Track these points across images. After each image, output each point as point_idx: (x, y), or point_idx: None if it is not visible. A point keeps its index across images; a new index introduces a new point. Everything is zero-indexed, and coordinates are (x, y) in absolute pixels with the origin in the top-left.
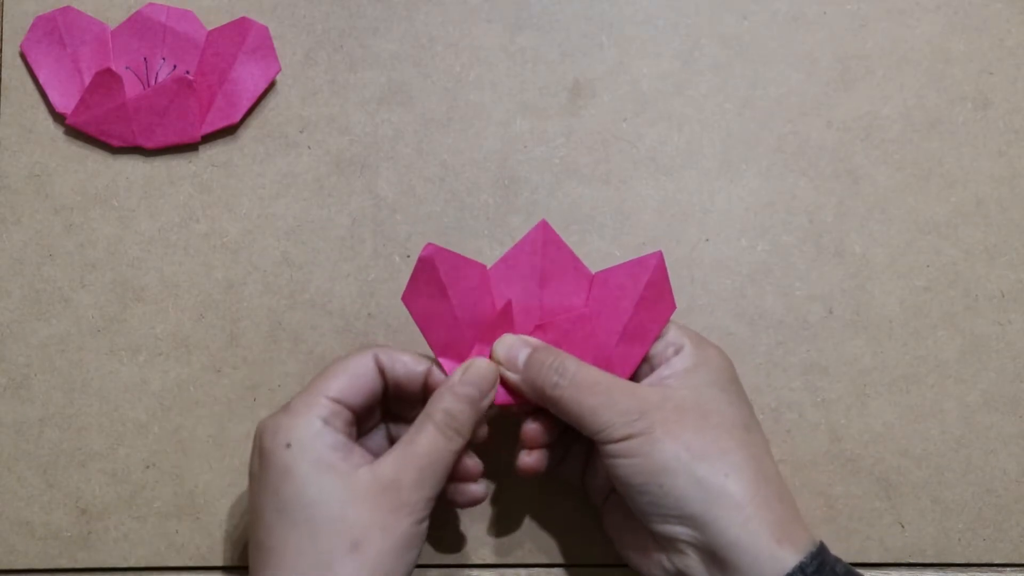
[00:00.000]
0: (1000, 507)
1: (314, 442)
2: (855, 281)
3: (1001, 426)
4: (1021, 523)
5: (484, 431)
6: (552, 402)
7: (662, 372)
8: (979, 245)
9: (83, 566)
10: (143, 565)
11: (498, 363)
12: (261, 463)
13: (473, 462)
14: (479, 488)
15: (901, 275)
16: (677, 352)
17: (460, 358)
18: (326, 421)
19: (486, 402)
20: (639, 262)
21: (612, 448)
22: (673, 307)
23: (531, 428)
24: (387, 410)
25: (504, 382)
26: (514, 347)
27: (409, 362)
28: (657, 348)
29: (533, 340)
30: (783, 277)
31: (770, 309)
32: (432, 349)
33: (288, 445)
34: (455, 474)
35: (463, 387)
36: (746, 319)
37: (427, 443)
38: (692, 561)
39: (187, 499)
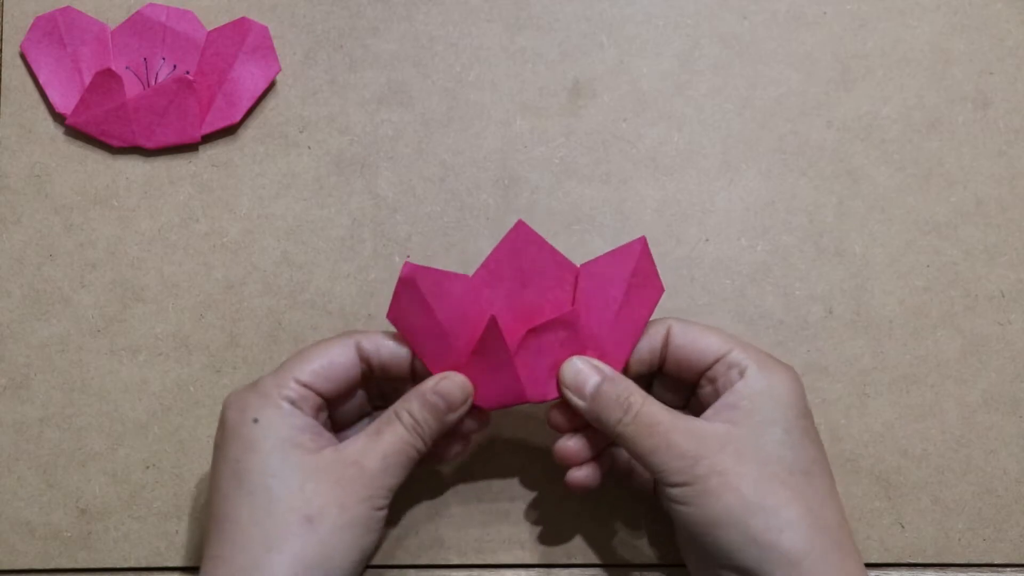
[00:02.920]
0: (1000, 507)
1: (282, 421)
2: (855, 281)
3: (1001, 426)
4: (1021, 523)
5: (458, 450)
6: (614, 436)
7: (727, 399)
8: (979, 245)
9: (83, 566)
10: (143, 565)
11: (564, 387)
12: (224, 436)
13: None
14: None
15: (901, 275)
16: (741, 375)
17: (453, 369)
18: (294, 403)
19: (452, 417)
20: (624, 249)
21: (668, 491)
22: (661, 290)
23: (567, 446)
24: (377, 395)
25: (564, 405)
26: (582, 373)
27: (394, 346)
28: (720, 370)
29: (603, 367)
30: (783, 277)
31: (770, 309)
32: (424, 362)
33: (255, 420)
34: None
35: (432, 396)
36: (746, 319)
37: (393, 438)
38: None
39: (187, 499)
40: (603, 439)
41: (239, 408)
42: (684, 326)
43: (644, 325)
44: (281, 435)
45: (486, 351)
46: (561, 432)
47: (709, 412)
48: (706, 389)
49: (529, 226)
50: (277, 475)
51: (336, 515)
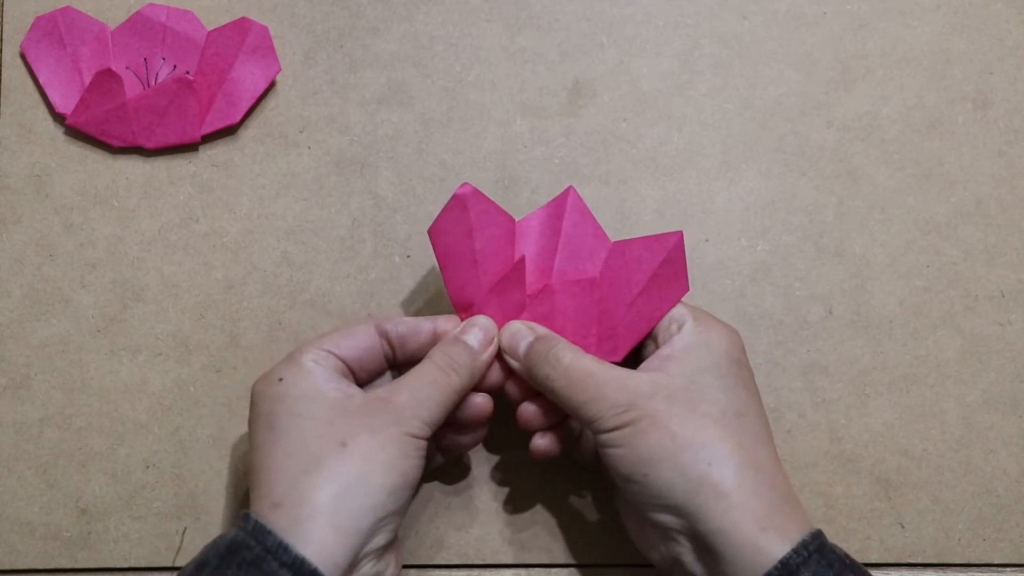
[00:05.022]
0: (1000, 507)
1: (306, 376)
2: (855, 281)
3: (1001, 426)
4: (1021, 523)
5: (499, 376)
6: (547, 393)
7: (663, 351)
8: (979, 245)
9: (83, 566)
10: (143, 565)
11: (503, 351)
12: (253, 404)
13: (482, 399)
14: (484, 401)
15: (901, 275)
16: (680, 329)
17: (471, 302)
18: (316, 362)
19: (485, 356)
20: (659, 238)
21: (601, 438)
22: (686, 289)
23: (528, 410)
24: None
25: (508, 367)
26: (517, 335)
27: (411, 321)
28: (661, 324)
29: (538, 328)
30: (783, 277)
31: (770, 309)
32: (447, 287)
33: (280, 379)
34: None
35: (463, 334)
36: (746, 319)
37: (420, 373)
38: (684, 548)
39: (187, 499)
40: (557, 408)
41: (264, 378)
42: None
43: (659, 319)
44: (307, 386)
45: (504, 291)
46: (516, 402)
47: (644, 364)
48: (649, 347)
49: (579, 195)
50: (305, 414)
51: (368, 438)
